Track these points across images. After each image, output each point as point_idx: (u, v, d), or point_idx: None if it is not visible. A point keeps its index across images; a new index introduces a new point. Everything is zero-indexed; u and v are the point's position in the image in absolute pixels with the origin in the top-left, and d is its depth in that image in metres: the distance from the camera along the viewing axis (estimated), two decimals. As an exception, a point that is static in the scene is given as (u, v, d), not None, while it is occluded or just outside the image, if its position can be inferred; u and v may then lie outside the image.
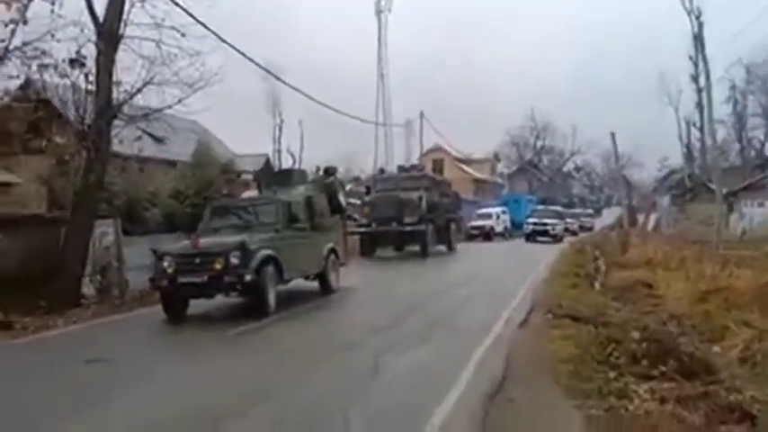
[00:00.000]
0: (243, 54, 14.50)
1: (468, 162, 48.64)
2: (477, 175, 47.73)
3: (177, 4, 11.13)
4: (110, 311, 10.16)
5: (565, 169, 62.52)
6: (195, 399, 5.26)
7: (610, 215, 45.02)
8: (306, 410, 4.90)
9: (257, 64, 16.64)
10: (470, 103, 70.77)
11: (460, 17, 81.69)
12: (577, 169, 64.74)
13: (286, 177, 12.08)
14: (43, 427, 4.71)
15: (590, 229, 39.99)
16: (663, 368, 5.98)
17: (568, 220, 35.31)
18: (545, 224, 29.57)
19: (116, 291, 11.53)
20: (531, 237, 29.27)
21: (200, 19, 11.50)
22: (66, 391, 5.60)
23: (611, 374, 5.97)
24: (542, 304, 9.80)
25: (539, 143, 58.87)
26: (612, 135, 29.22)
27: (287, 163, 34.38)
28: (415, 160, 36.03)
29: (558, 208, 35.82)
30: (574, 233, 33.84)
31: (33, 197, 15.07)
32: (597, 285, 12.89)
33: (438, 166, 43.21)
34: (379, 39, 37.83)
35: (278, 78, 20.12)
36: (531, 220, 30.24)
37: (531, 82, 76.92)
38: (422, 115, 36.65)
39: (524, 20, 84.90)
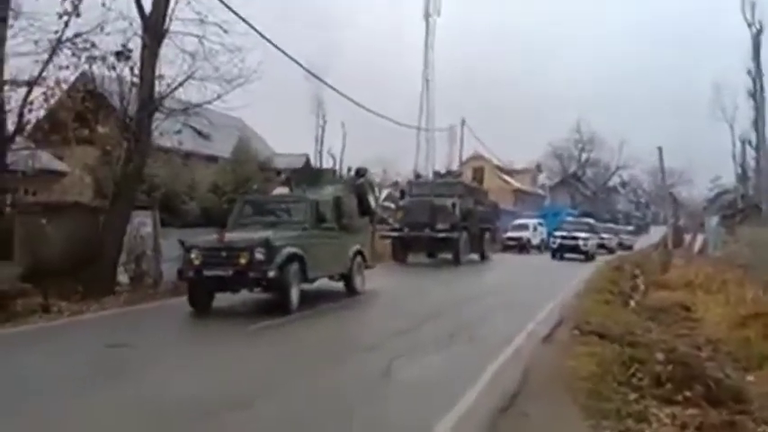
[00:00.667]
0: (284, 52, 14.68)
1: (509, 172, 47.98)
2: (518, 185, 47.03)
3: (221, 1, 11.40)
4: (141, 300, 10.43)
5: (610, 184, 60.87)
6: (201, 388, 5.33)
7: (657, 233, 43.36)
8: (307, 408, 4.91)
9: (298, 63, 16.81)
10: (514, 113, 69.87)
11: (507, 25, 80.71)
12: (623, 184, 62.90)
13: (317, 177, 12.20)
14: (41, 402, 4.88)
15: (629, 247, 36.62)
16: (688, 393, 5.72)
17: (604, 235, 31.65)
18: (575, 238, 25.11)
19: (150, 280, 11.85)
20: (557, 253, 25.14)
21: (243, 16, 11.76)
22: (80, 372, 5.77)
23: (632, 396, 5.74)
24: (570, 319, 9.54)
25: (583, 156, 57.55)
26: (660, 150, 28.46)
27: (328, 164, 34.71)
28: (454, 167, 35.80)
29: (591, 221, 30.95)
30: (610, 251, 30.58)
31: (81, 186, 15.71)
32: (633, 304, 12.49)
33: (478, 174, 42.76)
34: (426, 43, 37.68)
35: (318, 78, 20.34)
36: (558, 233, 26.03)
37: (579, 93, 75.30)
38: (463, 122, 36.37)
39: (573, 30, 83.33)
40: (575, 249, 24.87)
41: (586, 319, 9.49)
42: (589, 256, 24.73)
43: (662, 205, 49.06)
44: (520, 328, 8.59)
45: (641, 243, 39.82)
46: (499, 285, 14.31)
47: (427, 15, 38.11)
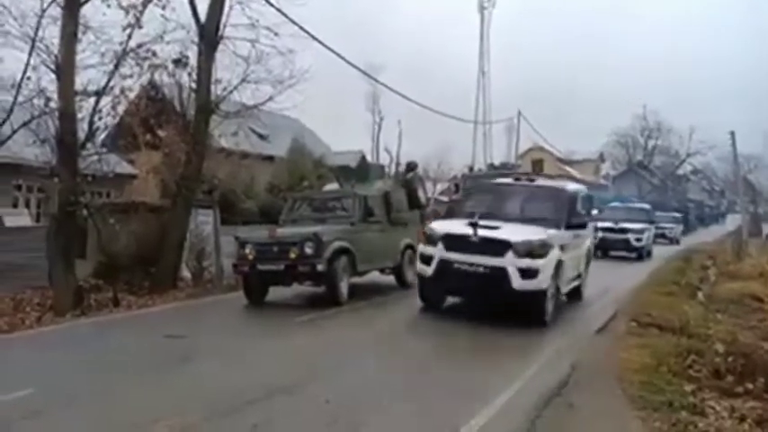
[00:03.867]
0: (336, 53, 14.79)
1: (569, 162, 46.57)
2: (579, 175, 45.51)
3: (272, 5, 11.72)
4: (202, 294, 10.93)
5: (680, 172, 57.79)
6: (250, 375, 5.56)
7: (733, 223, 40.55)
8: (350, 394, 5.05)
9: (350, 63, 16.88)
10: (574, 102, 67.58)
11: (565, 12, 78.08)
12: (695, 172, 59.58)
13: (366, 172, 12.34)
14: (105, 383, 5.30)
15: (674, 240, 27.41)
16: (749, 385, 5.44)
17: (629, 226, 18.88)
18: (487, 245, 7.60)
19: (210, 275, 12.39)
20: (436, 291, 8.55)
21: (294, 18, 12.01)
22: (135, 360, 6.17)
23: (688, 388, 5.52)
24: (627, 312, 9.22)
25: (650, 143, 54.92)
26: (732, 135, 26.79)
27: (384, 160, 34.89)
28: (513, 159, 35.15)
29: (579, 188, 10.65)
30: (639, 253, 18.93)
31: (148, 187, 16.64)
32: (701, 296, 11.90)
33: (538, 166, 41.74)
34: (482, 35, 37.27)
35: (371, 77, 20.47)
36: (482, 232, 7.70)
37: (643, 79, 71.70)
38: (519, 114, 35.59)
39: (638, 14, 79.49)
40: (481, 285, 7.75)
41: (646, 311, 9.15)
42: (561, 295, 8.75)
43: (737, 193, 45.97)
44: (570, 322, 8.40)
45: (721, 232, 35.90)
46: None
47: (482, 8, 37.64)
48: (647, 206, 23.47)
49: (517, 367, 5.96)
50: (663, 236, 25.77)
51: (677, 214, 32.54)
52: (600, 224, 17.34)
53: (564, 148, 45.82)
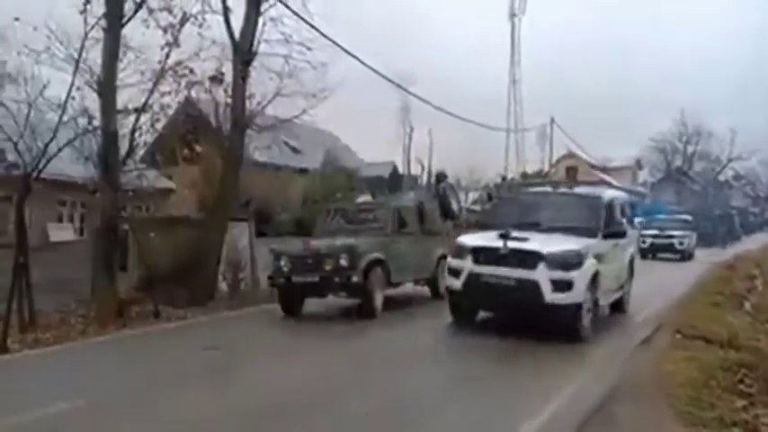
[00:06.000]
0: (369, 67, 14.89)
1: (605, 170, 45.66)
2: (615, 183, 44.55)
3: (306, 21, 11.93)
4: (238, 306, 11.02)
5: (722, 178, 56.03)
6: (282, 388, 5.59)
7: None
8: (387, 407, 5.01)
9: (382, 75, 16.98)
10: (609, 108, 66.25)
11: (597, 17, 76.94)
12: (737, 177, 57.64)
13: (398, 183, 12.36)
14: (144, 395, 5.40)
15: (686, 255, 21.02)
16: (806, 401, 5.18)
17: (529, 247, 7.30)
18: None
19: (247, 287, 12.55)
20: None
21: (326, 33, 12.19)
22: (176, 373, 6.26)
23: (739, 403, 5.29)
24: (671, 324, 8.93)
25: (689, 149, 53.49)
26: (776, 137, 25.76)
27: (416, 171, 34.86)
28: (546, 167, 34.66)
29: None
30: (573, 329, 7.34)
31: (187, 201, 17.06)
32: (748, 306, 11.47)
33: (572, 173, 41.06)
34: (512, 43, 37.01)
35: (403, 88, 20.45)
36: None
37: (683, 82, 69.97)
38: (552, 121, 35.13)
39: (668, 15, 77.71)
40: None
41: (690, 322, 8.85)
42: None
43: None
44: (611, 335, 8.18)
45: (754, 242, 31.95)
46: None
47: (512, 15, 37.44)
48: (605, 195, 9.22)
49: (556, 383, 5.81)
50: (670, 248, 20.47)
51: (688, 217, 24.75)
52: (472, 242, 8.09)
53: (599, 155, 44.98)
